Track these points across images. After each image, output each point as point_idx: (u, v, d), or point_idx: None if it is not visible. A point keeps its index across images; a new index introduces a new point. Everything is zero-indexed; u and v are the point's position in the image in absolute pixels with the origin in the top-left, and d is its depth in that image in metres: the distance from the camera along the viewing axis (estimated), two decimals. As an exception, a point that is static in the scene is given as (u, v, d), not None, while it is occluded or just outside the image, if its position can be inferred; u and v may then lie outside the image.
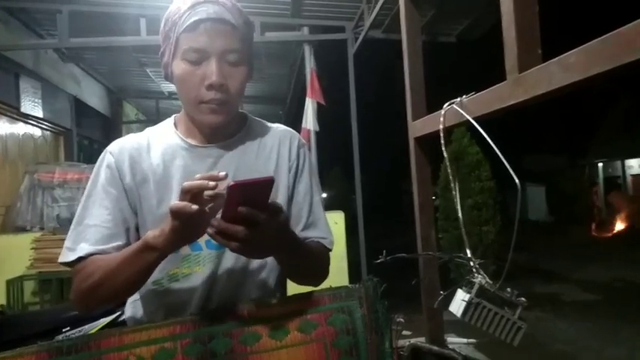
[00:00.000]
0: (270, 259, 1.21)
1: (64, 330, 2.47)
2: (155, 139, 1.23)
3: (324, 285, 1.23)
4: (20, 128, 6.05)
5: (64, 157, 7.08)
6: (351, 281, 4.55)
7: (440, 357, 1.41)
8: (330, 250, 1.30)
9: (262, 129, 1.31)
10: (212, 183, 0.90)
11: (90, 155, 7.65)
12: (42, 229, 4.86)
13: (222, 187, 0.91)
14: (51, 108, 6.42)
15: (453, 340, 4.55)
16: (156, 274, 1.14)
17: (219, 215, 0.93)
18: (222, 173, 0.93)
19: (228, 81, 1.13)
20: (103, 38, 5.38)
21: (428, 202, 1.48)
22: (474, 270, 1.19)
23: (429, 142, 1.41)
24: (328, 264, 1.30)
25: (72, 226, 1.16)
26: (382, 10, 4.79)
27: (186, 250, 1.15)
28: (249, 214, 0.90)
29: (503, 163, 1.17)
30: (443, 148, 1.13)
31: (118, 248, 1.12)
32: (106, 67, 7.84)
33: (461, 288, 1.25)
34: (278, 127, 1.33)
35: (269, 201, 0.94)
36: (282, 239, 1.03)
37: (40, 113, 6.12)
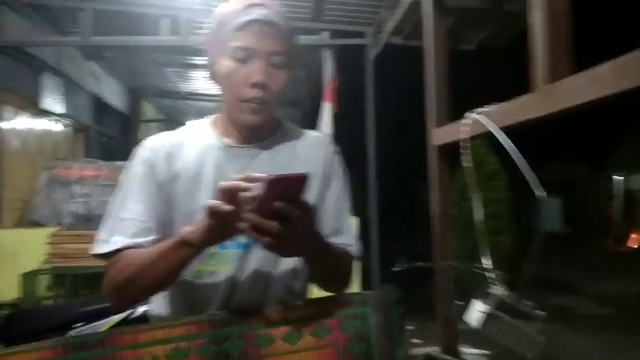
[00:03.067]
0: (296, 264, 1.22)
1: (77, 325, 2.49)
2: (190, 138, 1.26)
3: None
4: (40, 124, 6.13)
5: (82, 154, 7.16)
6: (363, 287, 4.51)
7: (454, 367, 1.39)
8: (356, 257, 1.31)
9: (296, 133, 1.33)
10: (247, 184, 0.93)
11: (108, 153, 7.71)
12: (58, 224, 4.91)
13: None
14: (71, 105, 6.50)
15: (467, 351, 4.51)
16: None
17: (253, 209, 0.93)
18: (259, 175, 0.94)
19: (270, 81, 1.17)
20: (124, 37, 5.43)
21: (446, 211, 1.45)
22: (493, 281, 1.17)
23: (449, 150, 1.39)
24: (352, 271, 1.31)
25: (105, 219, 1.19)
26: (403, 17, 4.77)
27: (213, 247, 1.15)
28: (285, 210, 0.91)
29: (520, 172, 1.16)
30: (464, 158, 1.11)
31: (153, 242, 1.15)
32: (126, 66, 7.91)
33: (476, 298, 1.23)
34: (312, 133, 1.36)
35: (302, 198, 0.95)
36: (312, 238, 1.06)
37: (60, 109, 6.19)
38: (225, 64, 1.17)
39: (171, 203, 1.20)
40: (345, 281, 1.29)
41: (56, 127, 6.58)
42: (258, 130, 1.23)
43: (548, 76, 1.05)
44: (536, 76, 1.09)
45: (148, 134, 1.32)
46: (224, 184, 0.94)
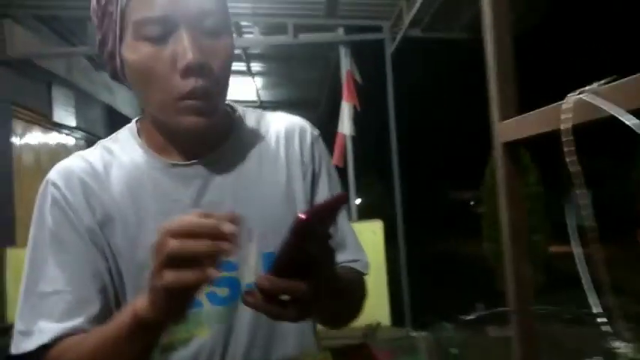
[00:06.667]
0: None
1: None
2: (113, 158, 0.87)
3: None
4: (53, 137, 6.03)
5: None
6: (390, 295, 4.23)
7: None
8: (366, 274, 0.97)
9: (260, 123, 0.95)
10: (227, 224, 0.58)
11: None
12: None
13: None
14: (84, 117, 6.41)
15: None
16: None
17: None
18: (225, 215, 0.60)
19: (209, 59, 0.77)
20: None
21: (523, 228, 1.08)
22: (609, 331, 0.84)
23: (517, 148, 1.06)
24: (366, 294, 0.98)
25: (21, 298, 0.81)
26: (422, 7, 4.53)
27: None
28: (319, 257, 0.62)
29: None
30: (568, 158, 0.75)
31: (94, 319, 0.78)
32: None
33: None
34: (281, 118, 0.98)
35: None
36: (333, 283, 0.70)
37: (72, 122, 6.10)
38: (134, 49, 0.77)
39: (111, 254, 0.83)
40: (360, 309, 0.96)
41: (69, 140, 6.47)
42: (206, 134, 0.83)
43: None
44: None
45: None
46: (175, 247, 0.58)
